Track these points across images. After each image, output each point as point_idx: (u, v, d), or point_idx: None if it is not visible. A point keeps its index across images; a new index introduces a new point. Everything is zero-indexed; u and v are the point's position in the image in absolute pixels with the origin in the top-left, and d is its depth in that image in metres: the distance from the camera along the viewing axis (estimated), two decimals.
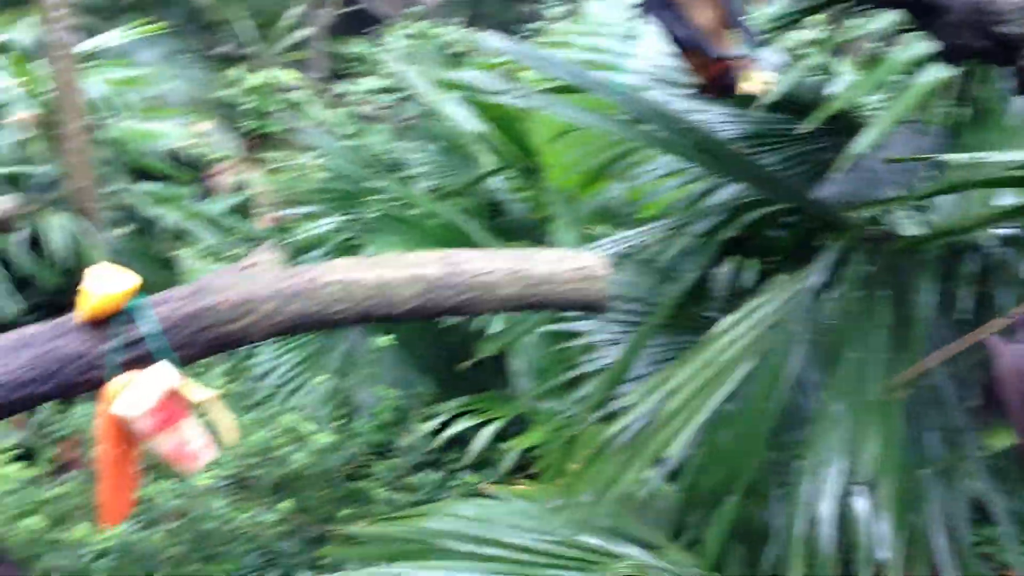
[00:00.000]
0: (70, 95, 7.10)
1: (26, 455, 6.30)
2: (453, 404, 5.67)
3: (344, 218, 6.43)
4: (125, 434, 1.78)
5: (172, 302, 1.80)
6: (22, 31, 8.32)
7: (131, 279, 1.76)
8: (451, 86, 6.44)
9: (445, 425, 5.54)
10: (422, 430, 5.61)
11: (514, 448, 5.20)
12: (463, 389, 6.01)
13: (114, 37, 8.55)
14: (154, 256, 7.81)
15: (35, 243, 7.06)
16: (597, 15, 4.04)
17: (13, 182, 7.48)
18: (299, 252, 7.24)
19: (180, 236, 7.83)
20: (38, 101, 7.49)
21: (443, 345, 6.05)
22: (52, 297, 7.82)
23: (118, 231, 7.76)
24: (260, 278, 1.82)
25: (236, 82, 8.96)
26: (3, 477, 5.28)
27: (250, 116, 8.53)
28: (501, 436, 5.40)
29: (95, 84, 7.65)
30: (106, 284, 1.74)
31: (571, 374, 3.55)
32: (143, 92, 8.17)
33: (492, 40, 3.45)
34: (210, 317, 1.78)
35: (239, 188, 8.49)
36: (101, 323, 1.76)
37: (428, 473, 5.48)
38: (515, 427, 5.37)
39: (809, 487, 2.28)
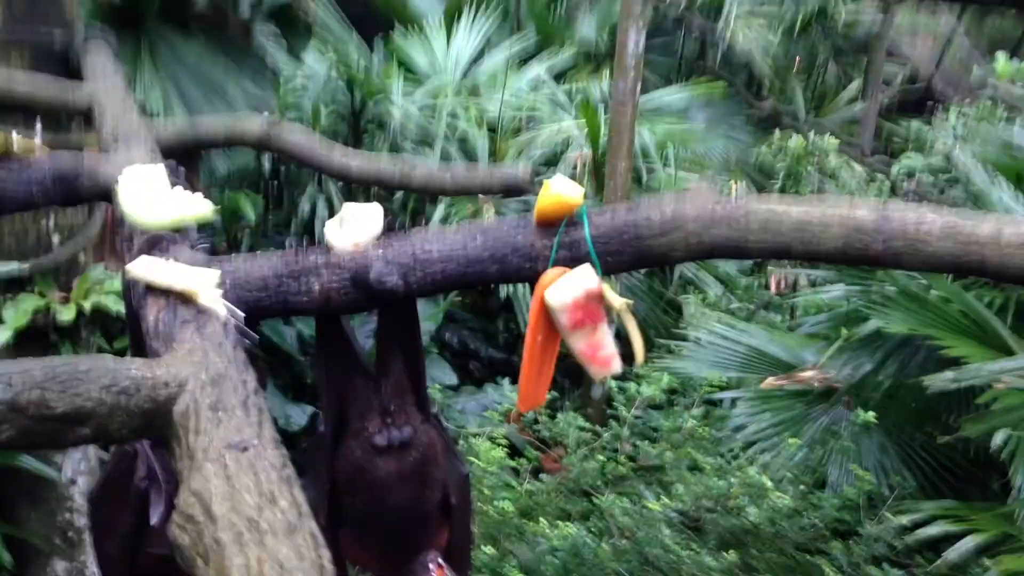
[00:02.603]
0: (622, 141, 7.73)
1: (513, 448, 6.91)
2: (932, 505, 5.16)
3: (855, 287, 6.17)
4: (550, 323, 1.91)
5: (610, 213, 1.91)
6: (597, 84, 9.30)
7: (580, 189, 1.90)
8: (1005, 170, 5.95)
9: (918, 524, 5.06)
10: (892, 522, 5.16)
11: (1002, 569, 4.57)
12: (946, 490, 5.46)
13: (673, 93, 9.22)
14: (663, 298, 8.20)
15: None
16: None
17: None
18: (804, 314, 7.13)
19: (690, 284, 8.12)
20: (594, 144, 8.30)
21: (930, 438, 5.56)
22: None
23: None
24: (692, 201, 1.87)
25: (776, 146, 9.12)
26: (491, 458, 5.81)
27: (780, 178, 8.63)
28: (985, 548, 4.79)
29: (646, 134, 8.27)
30: (565, 190, 1.89)
31: None
32: (688, 147, 8.67)
33: None
34: (641, 229, 1.86)
35: None
36: (551, 223, 1.92)
37: (888, 569, 5.02)
38: (1004, 543, 4.74)
39: None
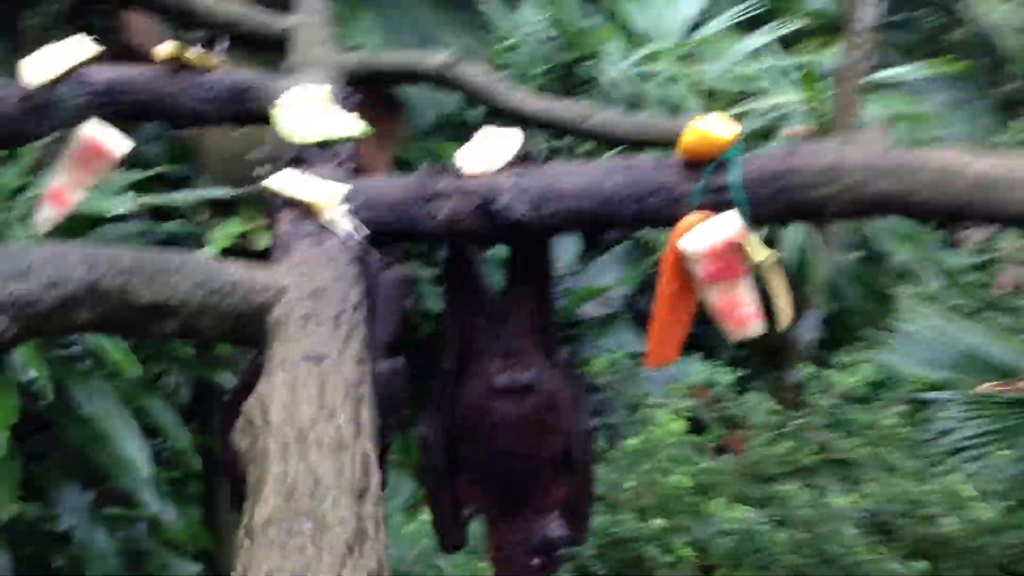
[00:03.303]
0: (846, 117, 7.26)
1: (696, 424, 6.68)
2: None
3: None
4: (685, 273, 1.74)
5: (763, 160, 1.72)
6: (826, 56, 8.75)
7: (735, 128, 1.71)
8: None
9: None
10: None
11: None
12: None
13: (910, 71, 8.54)
14: (874, 288, 7.67)
15: None
16: None
17: None
18: None
19: (905, 275, 7.54)
20: (816, 119, 7.81)
21: None
22: None
23: (846, 255, 7.75)
24: (856, 150, 1.64)
25: (1018, 134, 8.30)
26: (668, 431, 5.64)
27: None
28: None
29: (873, 112, 7.71)
30: (713, 127, 1.72)
31: None
32: (918, 130, 8.02)
33: None
34: (794, 179, 1.66)
35: (985, 244, 7.87)
36: (696, 164, 1.75)
37: None
38: None
39: None
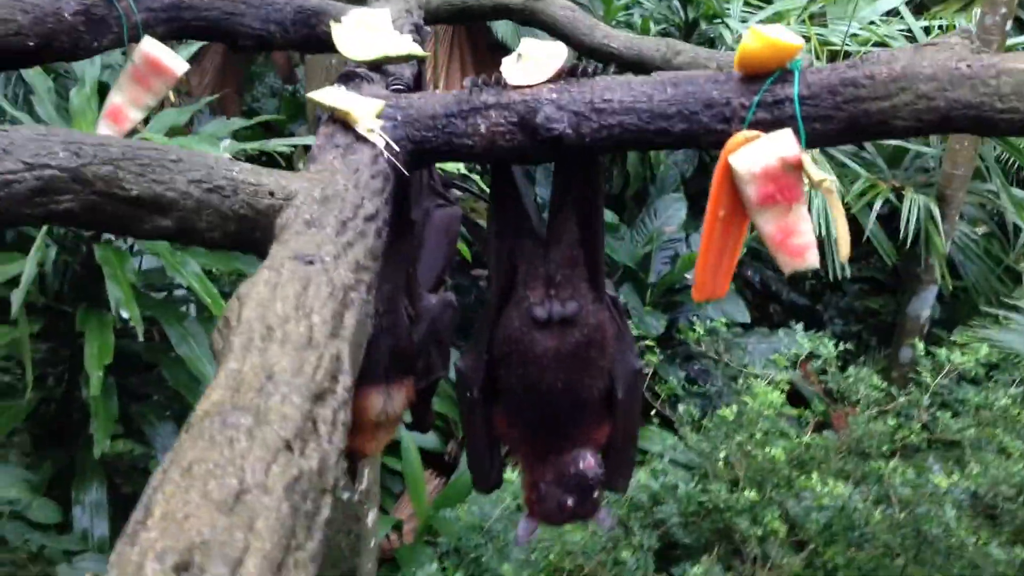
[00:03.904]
0: None
1: (799, 398, 6.43)
2: None
3: None
4: (735, 196, 1.59)
5: (825, 72, 1.54)
6: (963, 20, 8.27)
7: (798, 39, 1.54)
8: None
9: None
10: None
11: None
12: None
13: None
14: (1001, 263, 7.24)
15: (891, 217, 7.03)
16: None
17: (897, 158, 7.54)
18: None
19: None
20: None
21: None
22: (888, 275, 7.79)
23: (971, 228, 7.34)
24: (932, 56, 1.45)
25: None
26: (765, 401, 5.43)
27: None
28: None
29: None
30: (778, 33, 1.55)
31: None
32: None
33: None
34: (858, 89, 1.48)
35: None
36: (754, 79, 1.59)
37: None
38: None
39: None
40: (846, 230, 1.55)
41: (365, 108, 1.74)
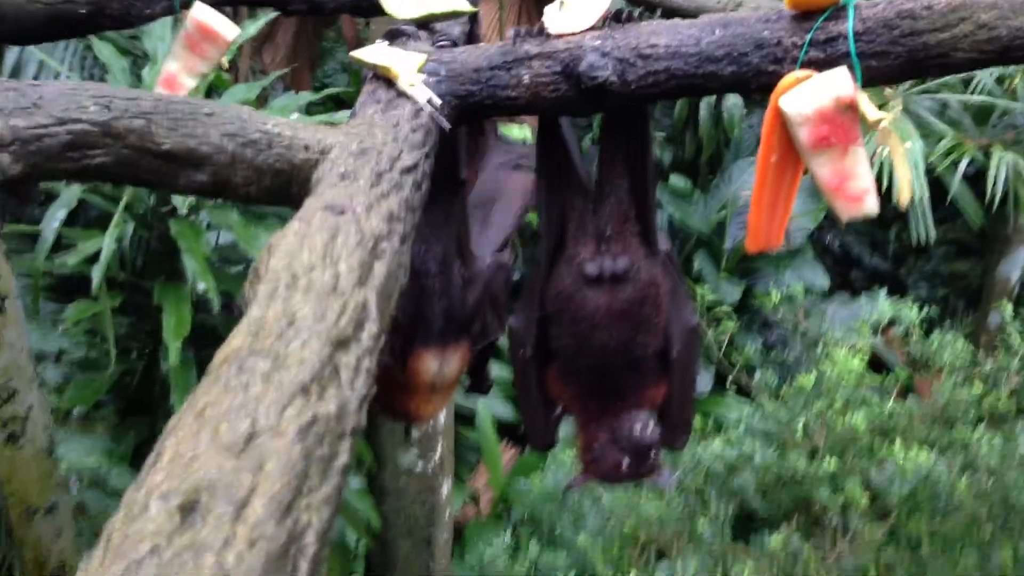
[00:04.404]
0: None
1: (881, 365, 6.26)
2: None
3: None
4: (788, 141, 1.52)
5: (881, 4, 1.46)
6: None
7: None
8: None
9: None
10: None
11: None
12: None
13: None
14: None
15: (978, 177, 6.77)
16: None
17: (983, 115, 7.25)
18: None
19: None
20: None
21: None
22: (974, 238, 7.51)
23: None
24: None
25: None
26: (846, 368, 5.29)
27: None
28: None
29: None
30: None
31: None
32: None
33: None
34: (916, 22, 1.40)
35: None
36: (806, 16, 1.52)
37: None
38: None
39: None
40: (907, 173, 1.47)
41: (406, 63, 1.72)
